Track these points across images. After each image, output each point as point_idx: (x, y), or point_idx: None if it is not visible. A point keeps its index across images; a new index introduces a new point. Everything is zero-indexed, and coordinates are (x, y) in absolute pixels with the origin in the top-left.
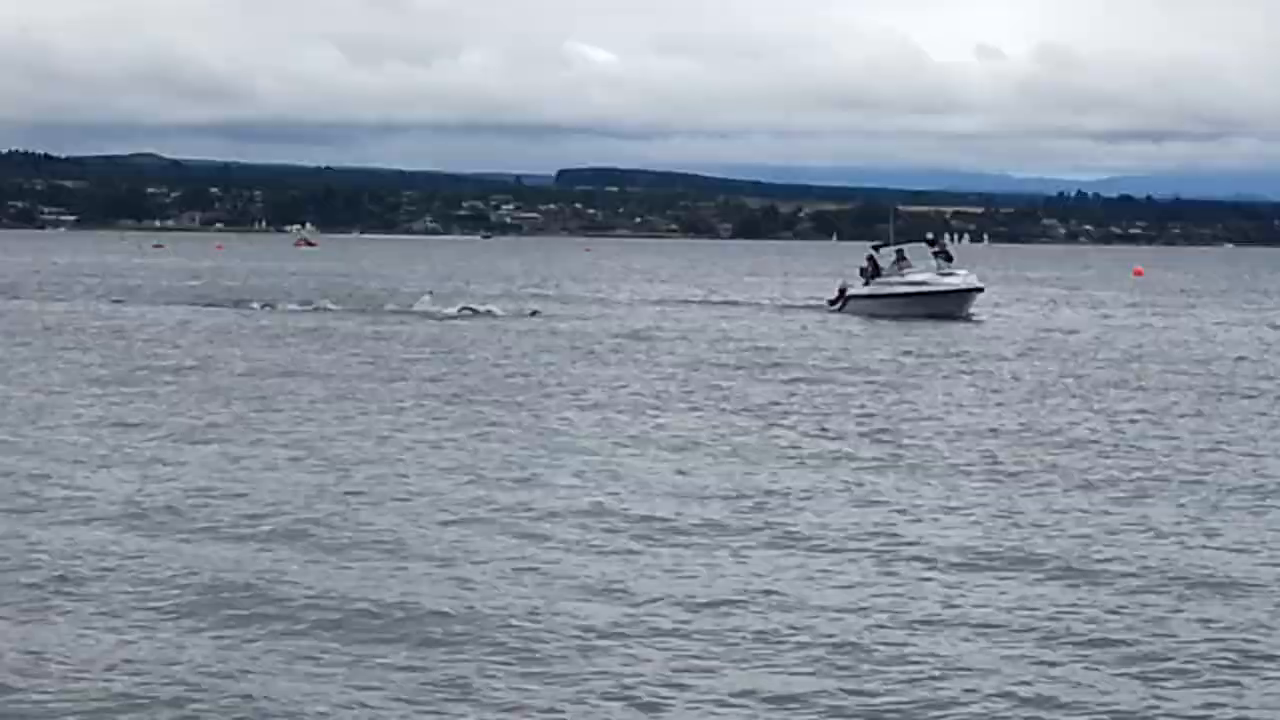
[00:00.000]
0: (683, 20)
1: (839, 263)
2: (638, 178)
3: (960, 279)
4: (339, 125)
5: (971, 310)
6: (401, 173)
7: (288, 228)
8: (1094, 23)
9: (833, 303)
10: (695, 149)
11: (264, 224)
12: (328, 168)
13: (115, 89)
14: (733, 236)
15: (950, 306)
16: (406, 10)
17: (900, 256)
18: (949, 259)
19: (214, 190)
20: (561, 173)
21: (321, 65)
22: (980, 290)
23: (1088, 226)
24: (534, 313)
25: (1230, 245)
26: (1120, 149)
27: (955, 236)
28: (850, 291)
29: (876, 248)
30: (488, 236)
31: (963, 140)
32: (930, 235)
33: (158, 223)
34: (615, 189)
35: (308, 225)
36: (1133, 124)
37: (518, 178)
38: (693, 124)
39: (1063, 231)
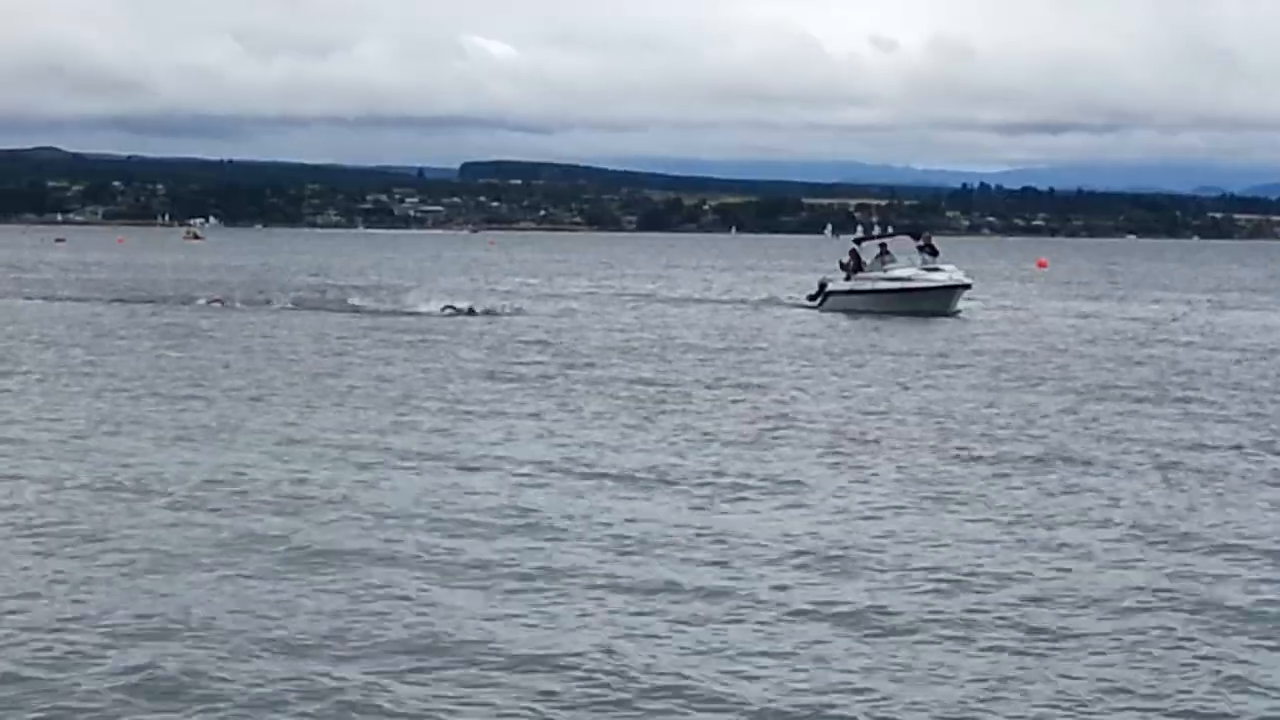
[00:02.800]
0: (577, 13)
1: (759, 255)
2: (541, 171)
3: (946, 275)
4: (239, 118)
5: (958, 307)
6: (304, 166)
7: (190, 221)
8: (986, 15)
9: (812, 298)
10: (597, 142)
11: (167, 218)
12: (230, 161)
13: (11, 83)
14: (637, 229)
15: (936, 303)
16: (298, 2)
17: (883, 251)
18: (934, 254)
19: (116, 184)
20: (464, 166)
21: (218, 58)
22: (968, 286)
23: (991, 218)
24: (468, 311)
25: (1132, 236)
26: (1019, 141)
27: (859, 228)
28: (831, 287)
29: (859, 241)
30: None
31: (863, 133)
32: (915, 229)
33: (59, 217)
34: (519, 182)
35: (210, 219)
36: (1030, 116)
37: (420, 171)
38: (593, 117)
39: (966, 223)
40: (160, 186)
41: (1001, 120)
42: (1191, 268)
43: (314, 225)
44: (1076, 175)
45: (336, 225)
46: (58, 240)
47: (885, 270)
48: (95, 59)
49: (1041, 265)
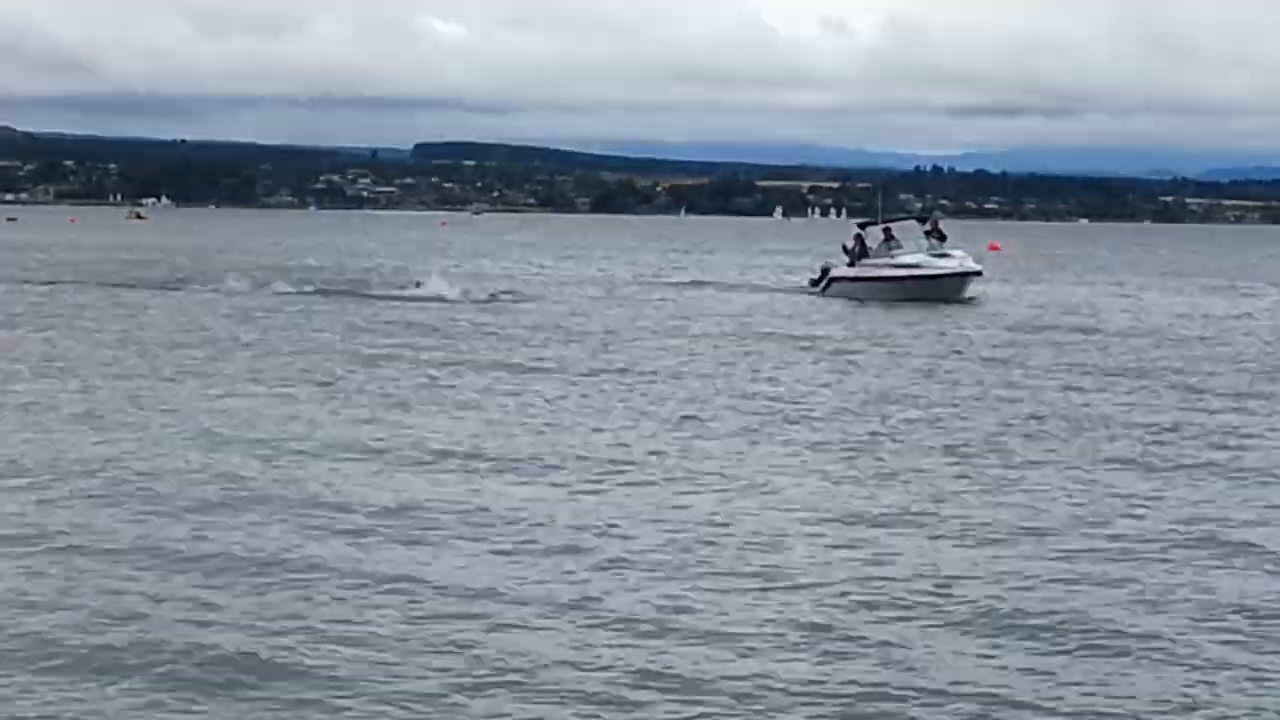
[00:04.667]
0: None
1: (715, 238)
2: (494, 152)
3: (956, 261)
4: (192, 98)
5: (968, 294)
6: (257, 146)
7: (142, 201)
8: None
9: (814, 284)
10: (550, 123)
11: (119, 198)
12: (183, 141)
13: None
14: (590, 210)
15: (944, 290)
16: None
17: (889, 236)
18: (942, 239)
19: (68, 164)
20: (418, 146)
21: (171, 38)
22: (979, 273)
23: (944, 201)
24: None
25: (1084, 220)
26: (972, 124)
27: (813, 211)
28: (835, 273)
29: (863, 226)
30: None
31: (817, 115)
32: (923, 213)
33: (10, 196)
34: (472, 163)
35: (163, 199)
36: (983, 100)
37: (374, 152)
38: (547, 98)
39: (919, 206)
40: (113, 166)
41: (955, 103)
42: (1135, 252)
43: (267, 206)
44: (1030, 158)
45: (289, 206)
46: (9, 219)
47: (892, 256)
48: (48, 38)
49: (993, 249)
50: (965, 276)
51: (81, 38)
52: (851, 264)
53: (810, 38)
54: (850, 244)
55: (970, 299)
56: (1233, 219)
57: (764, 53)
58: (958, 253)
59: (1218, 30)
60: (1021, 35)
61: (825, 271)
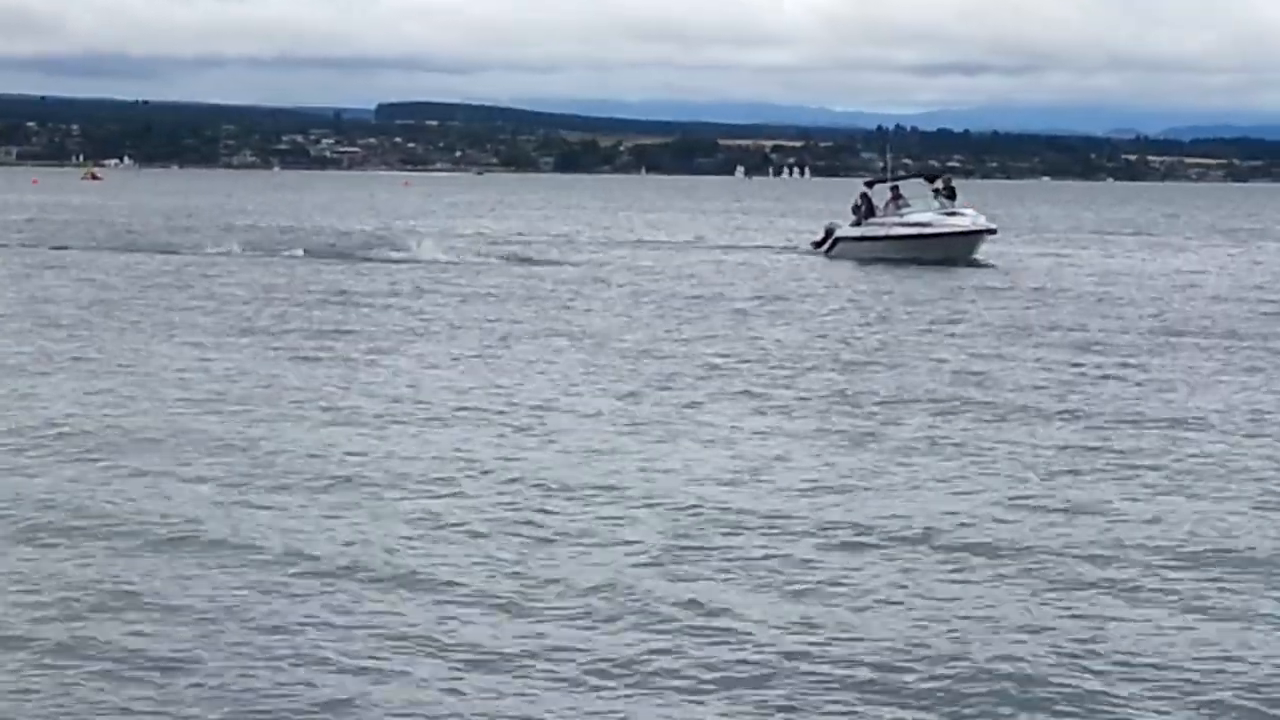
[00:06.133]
0: None
1: (680, 196)
2: (457, 112)
3: (968, 219)
4: (155, 59)
5: (978, 255)
6: (220, 107)
7: (106, 162)
8: None
9: (818, 245)
10: (513, 83)
11: (81, 159)
12: (145, 102)
13: None
14: (554, 170)
15: (955, 250)
16: None
17: (896, 194)
18: (952, 197)
19: (30, 125)
20: (381, 107)
21: None
22: (992, 232)
23: (906, 160)
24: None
25: (1047, 179)
26: (935, 83)
27: (778, 170)
28: (839, 233)
29: (870, 184)
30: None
31: (778, 74)
32: (934, 171)
33: None
34: (435, 123)
35: (125, 160)
36: (944, 57)
37: (337, 112)
38: (509, 58)
39: (881, 165)
40: (75, 127)
41: (917, 61)
42: (1090, 210)
43: (230, 166)
44: (992, 117)
45: (253, 166)
46: None
47: (900, 215)
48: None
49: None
50: (977, 235)
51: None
52: (858, 224)
53: None
54: (858, 202)
55: (980, 259)
56: (1194, 177)
57: (726, 11)
58: (969, 211)
59: None
60: None
61: (830, 232)
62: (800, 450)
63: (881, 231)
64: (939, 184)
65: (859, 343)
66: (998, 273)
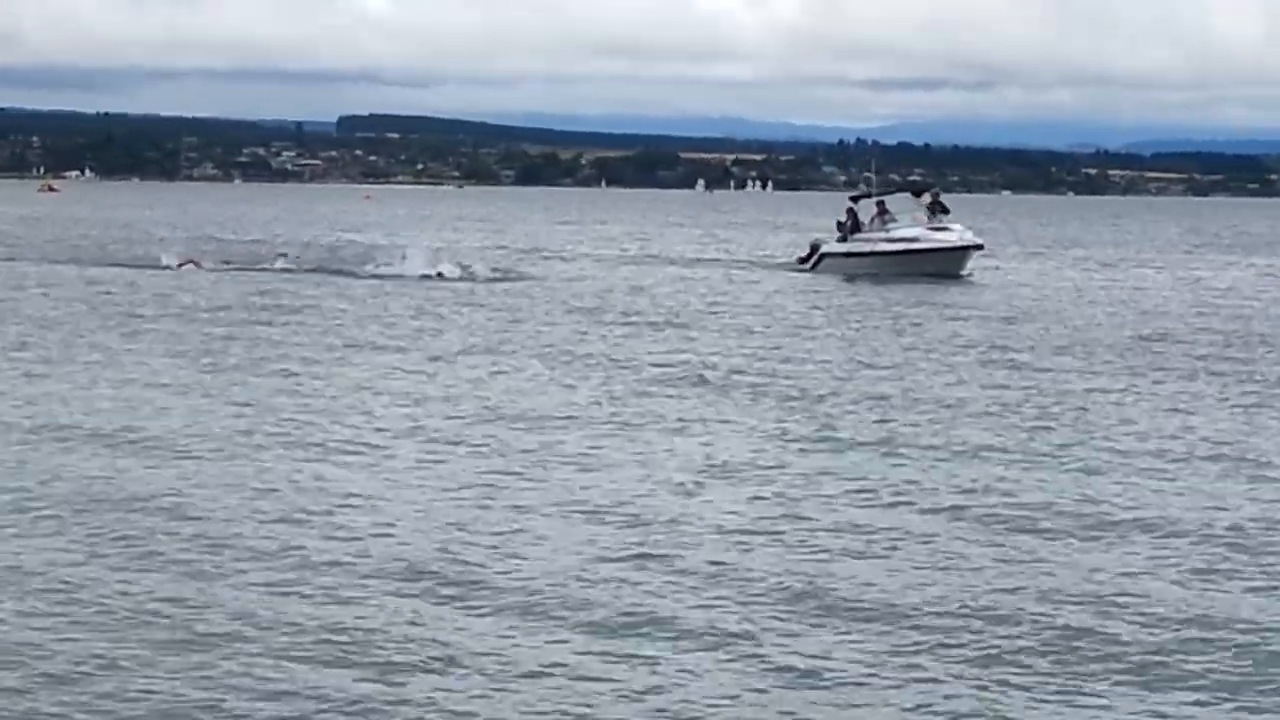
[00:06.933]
0: None
1: (648, 209)
2: (418, 124)
3: (955, 235)
4: (114, 71)
5: (966, 271)
6: (180, 119)
7: (66, 174)
8: None
9: (803, 261)
10: (474, 96)
11: (42, 171)
12: (105, 114)
13: None
14: (514, 183)
15: (942, 266)
16: None
17: (883, 209)
18: (944, 211)
19: None
20: (342, 119)
21: (91, 9)
22: (979, 248)
23: (868, 174)
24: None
25: (1008, 193)
26: (894, 97)
27: (740, 183)
28: (825, 249)
29: (856, 199)
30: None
31: (739, 88)
32: (922, 185)
33: None
34: (396, 136)
35: (86, 172)
36: (904, 72)
37: (298, 125)
38: (470, 72)
39: (843, 179)
40: (35, 139)
41: (877, 76)
42: (1045, 227)
43: (190, 178)
44: (953, 131)
45: (213, 179)
46: None
47: (886, 230)
48: None
49: None
50: (965, 251)
51: (2, 9)
52: (843, 239)
53: (729, 11)
54: (843, 219)
55: (969, 274)
56: (1154, 191)
57: (684, 25)
58: (957, 226)
59: (1137, 3)
60: (941, 7)
61: (815, 248)
62: (763, 458)
63: (868, 247)
64: (928, 198)
65: (842, 357)
66: (988, 289)
